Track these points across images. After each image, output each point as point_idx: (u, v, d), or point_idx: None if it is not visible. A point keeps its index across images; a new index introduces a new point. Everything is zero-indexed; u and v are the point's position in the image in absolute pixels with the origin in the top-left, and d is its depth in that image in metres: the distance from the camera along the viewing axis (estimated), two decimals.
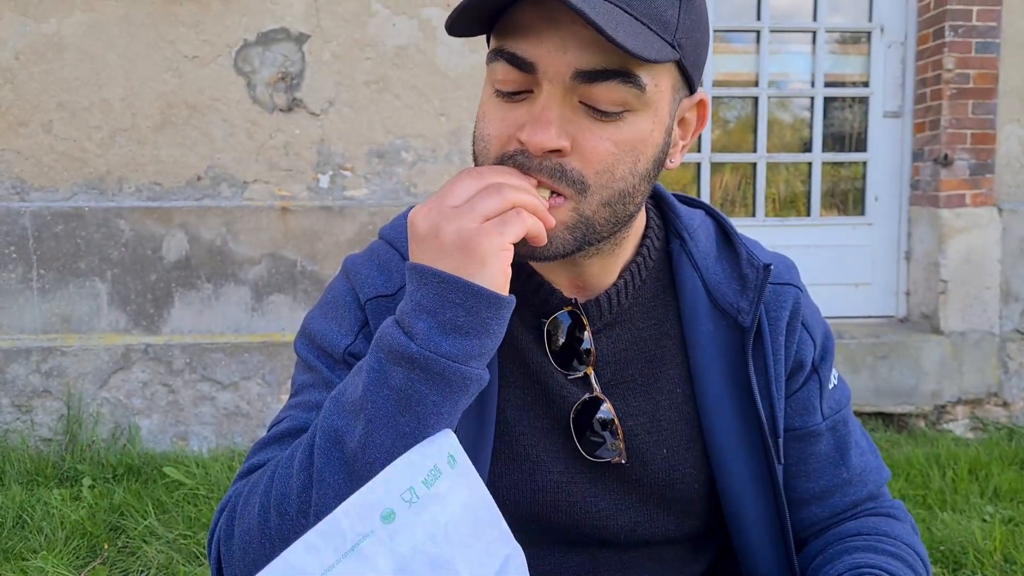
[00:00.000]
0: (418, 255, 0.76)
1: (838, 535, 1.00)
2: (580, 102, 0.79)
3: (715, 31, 3.98)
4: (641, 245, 0.96)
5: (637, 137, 0.81)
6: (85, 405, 3.45)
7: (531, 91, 0.80)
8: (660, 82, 0.81)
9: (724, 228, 1.01)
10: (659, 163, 0.86)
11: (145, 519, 2.80)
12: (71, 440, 3.41)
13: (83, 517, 2.80)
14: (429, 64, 3.68)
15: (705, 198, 4.18)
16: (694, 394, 0.96)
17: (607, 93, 0.78)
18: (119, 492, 3.00)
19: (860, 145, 4.25)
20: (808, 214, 4.24)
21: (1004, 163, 3.99)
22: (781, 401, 0.96)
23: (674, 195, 1.02)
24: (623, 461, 0.94)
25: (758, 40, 4.14)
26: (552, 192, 0.81)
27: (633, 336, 0.96)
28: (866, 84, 4.21)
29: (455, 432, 0.83)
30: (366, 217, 3.65)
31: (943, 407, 3.95)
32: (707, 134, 4.15)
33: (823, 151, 4.22)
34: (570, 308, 0.93)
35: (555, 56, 0.77)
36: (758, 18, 4.12)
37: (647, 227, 0.98)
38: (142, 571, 2.57)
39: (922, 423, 3.95)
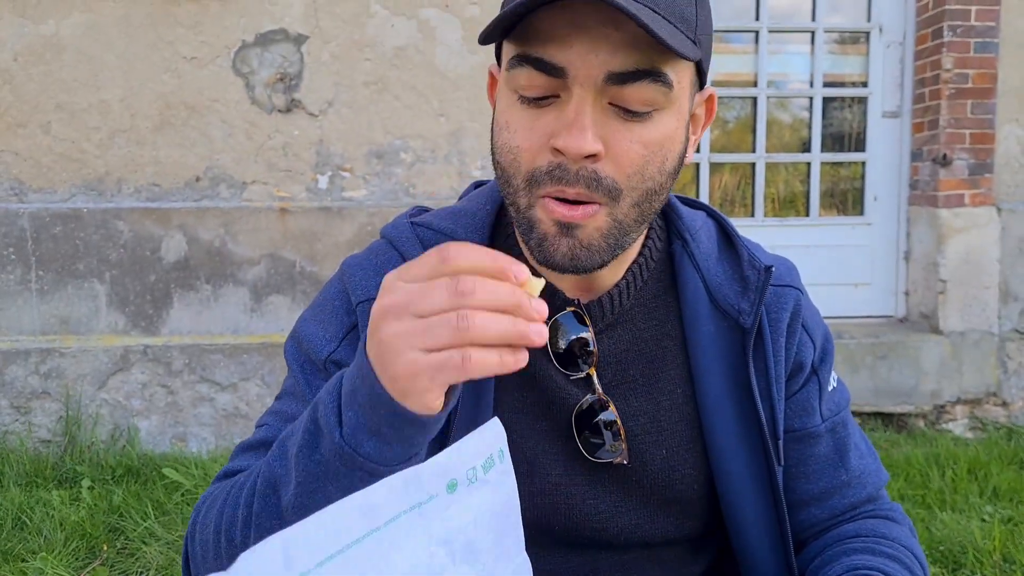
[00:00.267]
0: (368, 334, 0.67)
1: (836, 537, 1.00)
2: (610, 104, 0.79)
3: (714, 31, 3.98)
4: (643, 246, 0.96)
5: (664, 135, 0.82)
6: (84, 406, 3.44)
7: (557, 96, 0.80)
8: (682, 79, 0.81)
9: (726, 230, 1.02)
10: (681, 159, 0.86)
11: (144, 520, 2.80)
12: (70, 441, 3.40)
13: (82, 518, 2.80)
14: (428, 65, 3.68)
15: (704, 198, 4.19)
16: (694, 395, 0.96)
17: (638, 93, 0.78)
18: (118, 493, 2.99)
19: (859, 145, 4.25)
20: (807, 214, 4.24)
21: (1003, 163, 4.00)
22: (781, 403, 0.96)
23: (676, 196, 1.02)
24: (625, 462, 0.94)
25: (757, 40, 4.14)
26: (587, 201, 0.81)
27: (634, 337, 0.96)
28: (865, 84, 4.21)
29: (452, 432, 0.84)
30: (365, 218, 3.65)
31: (942, 407, 3.95)
32: (706, 134, 4.16)
33: (822, 151, 4.22)
34: (573, 309, 0.93)
35: (586, 59, 0.77)
36: (757, 18, 4.12)
37: (649, 228, 0.98)
38: (141, 572, 2.57)
39: (921, 423, 3.95)
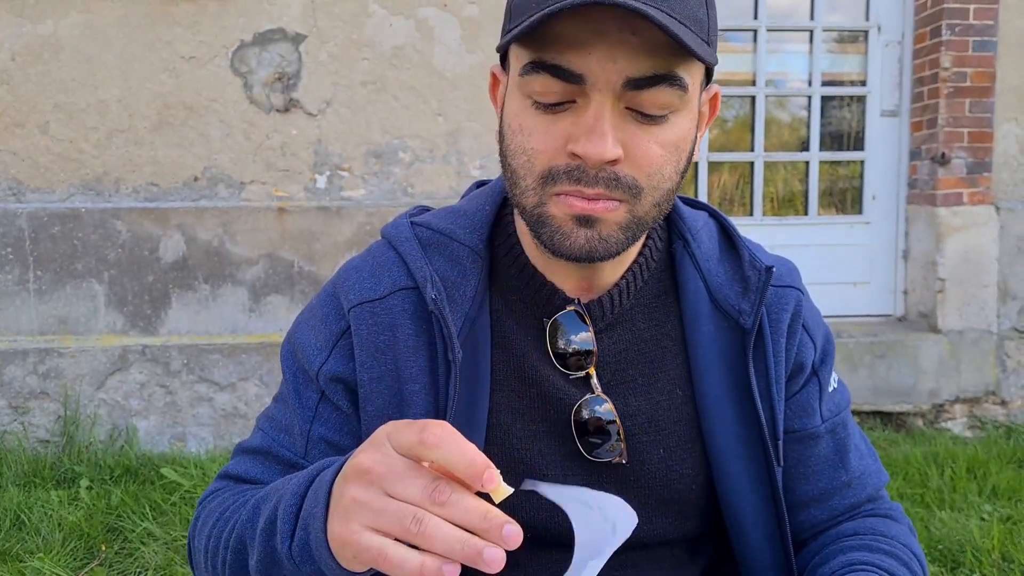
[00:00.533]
0: (340, 476, 0.69)
1: (835, 536, 1.00)
2: (627, 108, 0.79)
3: (717, 33, 3.97)
4: (644, 246, 0.96)
5: (680, 136, 0.82)
6: (82, 406, 3.44)
7: (573, 101, 0.80)
8: (694, 80, 0.82)
9: (727, 230, 1.02)
10: (691, 157, 0.87)
11: (143, 520, 2.80)
12: (68, 441, 3.40)
13: (80, 518, 2.80)
14: (426, 64, 3.68)
15: (703, 197, 4.19)
16: (694, 395, 0.96)
17: (655, 97, 0.78)
18: (117, 493, 2.99)
19: (858, 144, 4.25)
20: (806, 213, 4.24)
21: (1001, 162, 4.00)
22: (781, 403, 0.96)
23: (678, 197, 1.02)
24: (623, 461, 0.94)
25: (755, 39, 4.14)
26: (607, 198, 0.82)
27: (634, 336, 0.96)
28: (863, 83, 4.21)
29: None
30: (363, 217, 3.64)
31: (941, 406, 3.95)
32: (705, 134, 4.15)
33: (821, 150, 4.22)
34: (573, 308, 0.93)
35: (604, 66, 0.76)
36: (755, 17, 4.12)
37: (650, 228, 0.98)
38: (140, 572, 2.57)
39: (920, 422, 3.95)
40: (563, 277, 0.93)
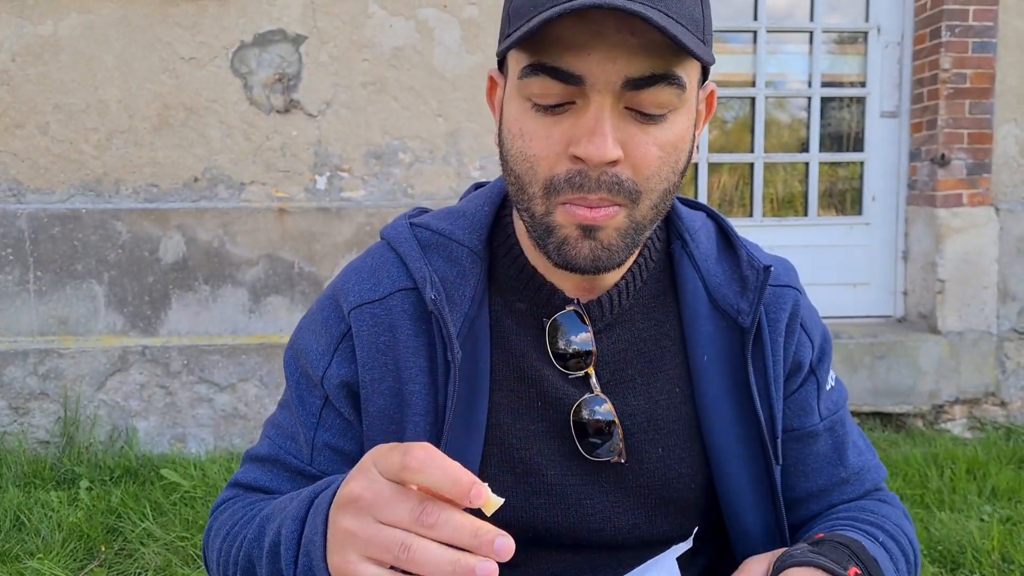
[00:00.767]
0: (333, 507, 0.70)
1: (827, 515, 1.02)
2: (626, 108, 0.80)
3: (713, 31, 3.98)
4: (643, 246, 0.97)
5: (678, 136, 0.83)
6: (82, 407, 3.44)
7: (572, 103, 0.80)
8: (692, 79, 0.82)
9: (725, 230, 1.02)
10: (690, 157, 0.87)
11: (143, 521, 2.80)
12: (68, 442, 3.40)
13: (80, 519, 2.80)
14: (426, 65, 3.68)
15: (703, 198, 4.19)
16: (693, 395, 0.96)
17: (654, 97, 0.79)
18: (116, 494, 2.99)
19: (857, 145, 4.25)
20: (805, 214, 4.24)
21: (1001, 163, 4.00)
22: (779, 402, 0.97)
23: (676, 197, 1.03)
24: (622, 461, 0.94)
25: (755, 40, 4.14)
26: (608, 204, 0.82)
27: (633, 336, 0.96)
28: (863, 84, 4.22)
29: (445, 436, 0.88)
30: (363, 218, 3.64)
31: (941, 407, 3.95)
32: (705, 134, 4.16)
33: (820, 151, 4.23)
34: (573, 308, 0.93)
35: (604, 67, 0.77)
36: (755, 18, 4.12)
37: None
38: (139, 573, 2.57)
39: (920, 423, 3.95)
40: (563, 278, 0.93)
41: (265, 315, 3.62)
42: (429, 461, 0.62)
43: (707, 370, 0.95)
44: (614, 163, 0.80)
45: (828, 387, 1.03)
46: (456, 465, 0.62)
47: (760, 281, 0.95)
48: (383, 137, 3.69)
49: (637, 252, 0.96)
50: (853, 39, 4.24)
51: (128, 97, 3.57)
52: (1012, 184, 4.02)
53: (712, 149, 4.21)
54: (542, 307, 0.94)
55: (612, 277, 0.94)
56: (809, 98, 4.21)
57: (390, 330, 0.93)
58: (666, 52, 0.77)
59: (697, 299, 0.97)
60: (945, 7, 3.86)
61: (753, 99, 4.17)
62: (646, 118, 0.80)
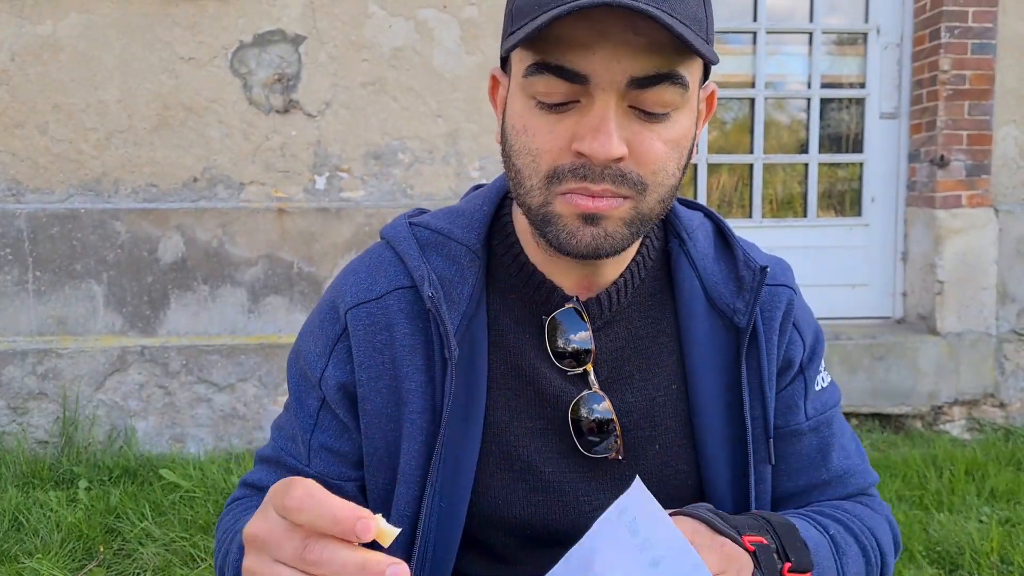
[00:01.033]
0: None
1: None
2: (630, 107, 0.80)
3: (714, 32, 3.98)
4: (642, 244, 0.98)
5: (681, 134, 0.83)
6: (81, 407, 3.44)
7: (577, 101, 0.80)
8: (694, 79, 0.83)
9: (722, 230, 1.03)
10: (691, 155, 0.88)
11: (141, 521, 2.80)
12: (67, 442, 3.40)
13: (79, 519, 2.79)
14: (426, 66, 3.68)
15: (702, 199, 4.19)
16: (687, 392, 0.97)
17: (658, 96, 0.79)
18: (115, 494, 2.99)
19: (856, 146, 4.25)
20: (805, 215, 4.24)
21: (1000, 164, 4.00)
22: (773, 402, 0.97)
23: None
24: (619, 457, 0.95)
25: (755, 41, 4.14)
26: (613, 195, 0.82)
27: (630, 333, 0.97)
28: (862, 85, 4.22)
29: (442, 436, 0.89)
30: (363, 218, 3.64)
31: (940, 408, 3.95)
32: (704, 135, 4.16)
33: (820, 152, 4.23)
34: (571, 306, 0.94)
35: (608, 66, 0.77)
36: (755, 19, 4.12)
37: None
38: (138, 573, 2.57)
39: (919, 424, 3.95)
40: (562, 275, 0.94)
41: (264, 315, 3.62)
42: (308, 499, 0.60)
43: (702, 367, 0.96)
44: (619, 160, 0.80)
45: (818, 387, 1.03)
46: (338, 502, 0.60)
47: (756, 281, 0.96)
48: (382, 137, 3.69)
49: (635, 251, 0.96)
50: (852, 40, 4.24)
51: (127, 97, 3.57)
52: (1011, 185, 4.02)
53: (711, 150, 4.21)
54: (541, 304, 0.95)
55: (611, 275, 0.95)
56: (808, 99, 4.21)
57: (387, 329, 0.93)
58: (670, 51, 0.78)
59: (694, 297, 0.97)
60: (945, 8, 3.86)
61: (752, 100, 4.17)
62: (650, 116, 0.80)
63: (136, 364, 3.47)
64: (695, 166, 4.15)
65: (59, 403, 3.43)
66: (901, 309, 4.22)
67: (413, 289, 0.94)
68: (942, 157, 3.92)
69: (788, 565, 0.83)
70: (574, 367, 0.94)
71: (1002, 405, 3.99)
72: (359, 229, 3.64)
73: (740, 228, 3.81)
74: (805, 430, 1.01)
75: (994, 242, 3.97)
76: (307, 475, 0.96)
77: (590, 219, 0.82)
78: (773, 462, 0.97)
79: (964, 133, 3.93)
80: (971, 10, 3.87)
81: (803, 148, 4.26)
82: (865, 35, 4.18)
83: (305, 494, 0.61)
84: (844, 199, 4.30)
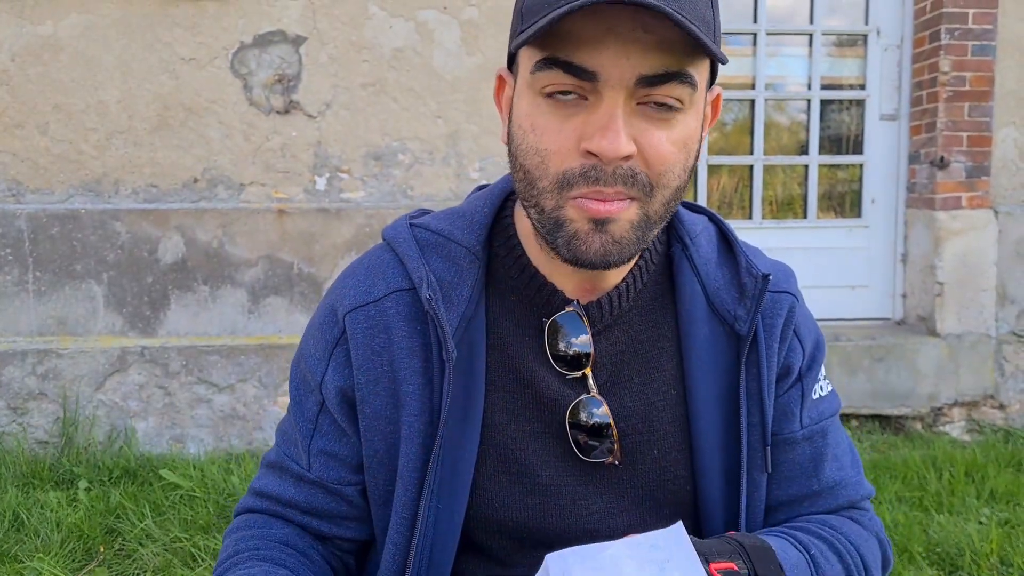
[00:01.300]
0: None
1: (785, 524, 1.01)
2: (638, 105, 0.80)
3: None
4: (644, 248, 0.96)
5: (687, 135, 0.83)
6: (81, 407, 3.44)
7: (584, 98, 0.80)
8: (701, 79, 0.82)
9: (726, 235, 1.02)
10: (697, 157, 0.88)
11: (141, 521, 2.80)
12: (67, 442, 3.40)
13: (79, 520, 2.79)
14: (426, 66, 3.68)
15: (702, 200, 4.19)
16: (686, 397, 0.96)
17: (667, 95, 0.79)
18: (115, 494, 2.99)
19: (857, 147, 4.26)
20: (805, 216, 4.25)
21: (1000, 165, 4.00)
22: (771, 409, 0.97)
23: None
24: (617, 462, 0.94)
25: (755, 43, 4.14)
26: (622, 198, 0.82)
27: (630, 338, 0.96)
28: (862, 87, 4.22)
29: (441, 438, 0.89)
30: (363, 219, 3.65)
31: (939, 409, 3.95)
32: (707, 136, 4.15)
33: (820, 153, 4.23)
34: (571, 309, 0.93)
35: (618, 63, 0.77)
36: (755, 21, 4.12)
37: None
38: (138, 573, 2.57)
39: (919, 425, 3.96)
40: (564, 278, 0.94)
41: (264, 316, 3.62)
42: None
43: (701, 372, 0.95)
44: (627, 158, 0.80)
45: (815, 396, 1.02)
46: None
47: (758, 289, 0.95)
48: (383, 138, 3.69)
49: (638, 255, 0.96)
50: (853, 41, 4.24)
51: (128, 97, 3.57)
52: (1011, 187, 4.02)
53: (712, 151, 4.21)
54: (541, 307, 0.94)
55: (613, 278, 0.94)
56: (809, 100, 4.22)
57: (385, 331, 0.93)
58: (679, 50, 0.77)
59: (695, 303, 0.96)
60: (945, 10, 3.86)
61: (753, 101, 4.17)
62: (660, 109, 0.80)
63: (136, 364, 3.47)
64: (695, 167, 4.14)
65: (59, 403, 3.43)
66: (901, 310, 4.22)
67: (412, 291, 0.93)
68: (942, 159, 3.92)
69: None
70: (573, 371, 0.94)
71: (1002, 406, 3.99)
72: (359, 230, 3.64)
73: (740, 229, 3.81)
74: (799, 439, 1.00)
75: (994, 244, 3.97)
76: (309, 480, 0.97)
77: (599, 224, 0.82)
78: (769, 470, 0.96)
79: (964, 135, 3.93)
80: (971, 11, 3.87)
81: (803, 149, 4.26)
82: (865, 36, 4.18)
83: None
84: (844, 200, 4.30)
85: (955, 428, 3.95)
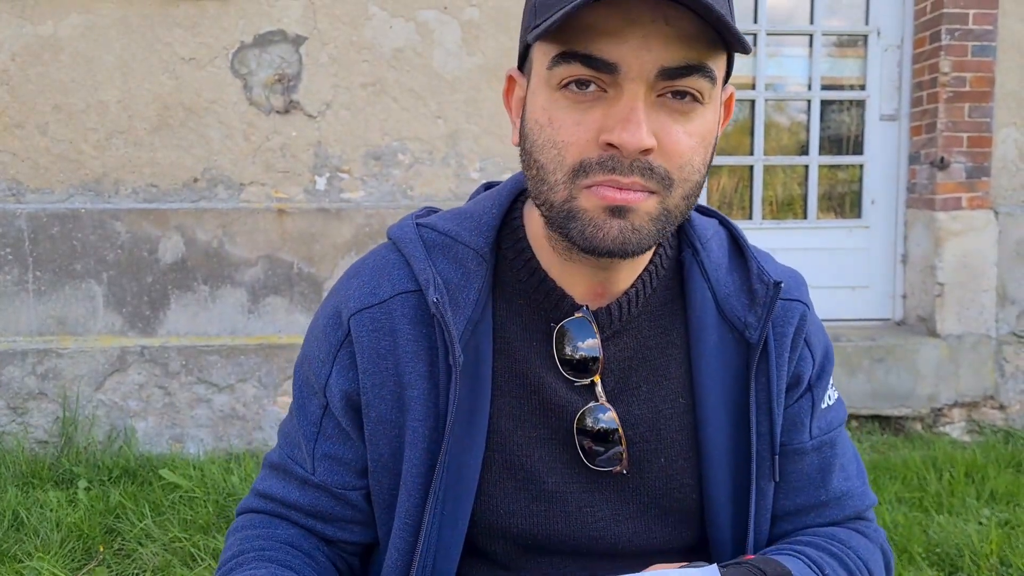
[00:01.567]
0: None
1: (793, 536, 1.00)
2: (657, 97, 0.78)
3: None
4: (655, 253, 0.95)
5: (706, 129, 0.82)
6: (81, 407, 3.44)
7: (604, 91, 0.78)
8: (720, 74, 0.82)
9: (737, 239, 1.01)
10: (714, 153, 0.86)
11: (141, 521, 2.80)
12: (67, 442, 3.40)
13: (79, 519, 2.79)
14: (426, 67, 3.68)
15: (702, 201, 4.19)
16: (694, 405, 0.95)
17: (687, 86, 0.78)
18: (115, 494, 2.99)
19: (857, 148, 4.26)
20: (805, 217, 4.25)
21: (1000, 166, 4.00)
22: (780, 418, 0.96)
23: None
24: (624, 470, 0.93)
25: (755, 43, 4.14)
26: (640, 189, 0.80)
27: (639, 344, 0.95)
28: (863, 87, 4.22)
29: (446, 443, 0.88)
30: (363, 219, 3.64)
31: (939, 410, 3.95)
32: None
33: (820, 154, 4.23)
34: (580, 315, 0.92)
35: (639, 54, 0.75)
36: (755, 21, 4.12)
37: None
38: (138, 573, 2.56)
39: (919, 426, 3.96)
40: (574, 282, 0.92)
41: (264, 316, 3.62)
42: None
43: (710, 380, 0.94)
44: (647, 151, 0.78)
45: (824, 405, 1.01)
46: None
47: (770, 297, 0.94)
48: (383, 138, 3.69)
49: (648, 259, 0.94)
50: (853, 42, 4.24)
51: (128, 97, 3.57)
52: (1011, 187, 4.02)
53: None
54: (549, 312, 0.93)
55: (623, 283, 0.93)
56: (809, 101, 4.22)
57: (391, 334, 0.91)
58: (700, 43, 0.76)
59: (705, 309, 0.95)
60: (945, 10, 3.86)
61: (753, 102, 4.17)
62: (678, 109, 0.79)
63: (136, 364, 3.47)
64: None
65: (59, 403, 3.43)
66: (901, 311, 4.22)
67: (418, 293, 0.92)
68: (942, 159, 3.92)
69: None
70: (581, 377, 0.92)
71: (1002, 407, 3.99)
72: (359, 230, 3.64)
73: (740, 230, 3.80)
74: (808, 449, 0.99)
75: (994, 244, 3.97)
76: (313, 484, 0.96)
77: (617, 211, 0.79)
78: (778, 479, 0.95)
79: (964, 135, 3.93)
80: (971, 12, 3.87)
81: (803, 150, 4.26)
82: (865, 37, 4.18)
83: None
84: (844, 201, 4.30)
85: (955, 429, 3.95)
